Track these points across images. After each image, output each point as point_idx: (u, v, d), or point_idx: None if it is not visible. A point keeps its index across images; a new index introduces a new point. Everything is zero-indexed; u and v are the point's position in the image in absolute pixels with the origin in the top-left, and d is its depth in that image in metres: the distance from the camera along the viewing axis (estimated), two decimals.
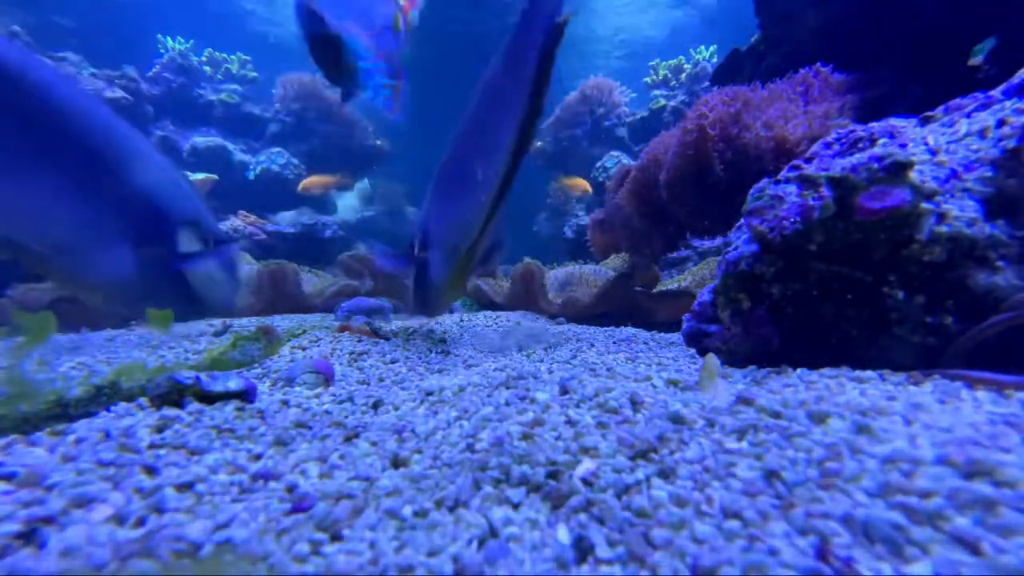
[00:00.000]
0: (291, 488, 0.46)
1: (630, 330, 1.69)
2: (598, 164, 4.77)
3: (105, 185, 1.10)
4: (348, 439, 0.58)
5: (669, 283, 2.27)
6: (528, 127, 0.85)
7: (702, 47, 5.22)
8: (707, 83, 4.45)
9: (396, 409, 0.71)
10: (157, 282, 1.19)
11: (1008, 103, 0.80)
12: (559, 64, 0.80)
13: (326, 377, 0.84)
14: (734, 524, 0.37)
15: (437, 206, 1.24)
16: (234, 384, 0.70)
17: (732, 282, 0.87)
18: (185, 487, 0.45)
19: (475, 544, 0.37)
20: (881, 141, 0.80)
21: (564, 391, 0.67)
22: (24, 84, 1.00)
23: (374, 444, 0.56)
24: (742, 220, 0.89)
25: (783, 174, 0.85)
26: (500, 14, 7.21)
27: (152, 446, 0.54)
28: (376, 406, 0.72)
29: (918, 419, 0.50)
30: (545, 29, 0.80)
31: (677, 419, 0.54)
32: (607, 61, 9.72)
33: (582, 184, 4.73)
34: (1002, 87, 0.84)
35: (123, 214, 1.11)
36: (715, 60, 4.92)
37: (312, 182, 4.82)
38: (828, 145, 0.86)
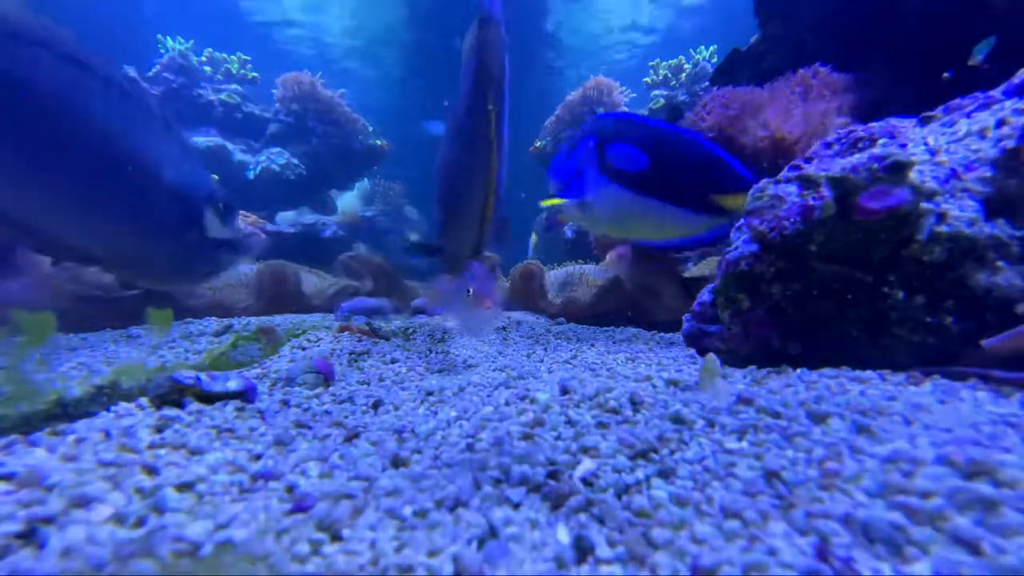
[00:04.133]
0: (291, 488, 0.46)
1: (630, 330, 1.69)
2: None
3: (150, 181, 1.16)
4: (348, 439, 0.58)
5: None
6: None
7: (702, 47, 5.22)
8: (707, 83, 4.44)
9: (396, 409, 0.71)
10: (196, 256, 1.27)
11: (1008, 103, 0.80)
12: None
13: (326, 377, 0.84)
14: (734, 524, 0.37)
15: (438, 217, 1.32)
16: (234, 384, 0.70)
17: (732, 282, 0.87)
18: (185, 487, 0.45)
19: (475, 544, 0.37)
20: (881, 141, 0.80)
21: (564, 391, 0.67)
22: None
23: (374, 444, 0.56)
24: (742, 220, 0.89)
25: (783, 174, 0.85)
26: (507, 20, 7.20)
27: (152, 446, 0.54)
28: (376, 406, 0.72)
29: (918, 419, 0.50)
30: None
31: (677, 419, 0.54)
32: (608, 59, 9.71)
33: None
34: (1002, 87, 0.84)
35: (168, 205, 1.17)
36: (715, 60, 4.91)
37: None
38: (828, 145, 0.86)
